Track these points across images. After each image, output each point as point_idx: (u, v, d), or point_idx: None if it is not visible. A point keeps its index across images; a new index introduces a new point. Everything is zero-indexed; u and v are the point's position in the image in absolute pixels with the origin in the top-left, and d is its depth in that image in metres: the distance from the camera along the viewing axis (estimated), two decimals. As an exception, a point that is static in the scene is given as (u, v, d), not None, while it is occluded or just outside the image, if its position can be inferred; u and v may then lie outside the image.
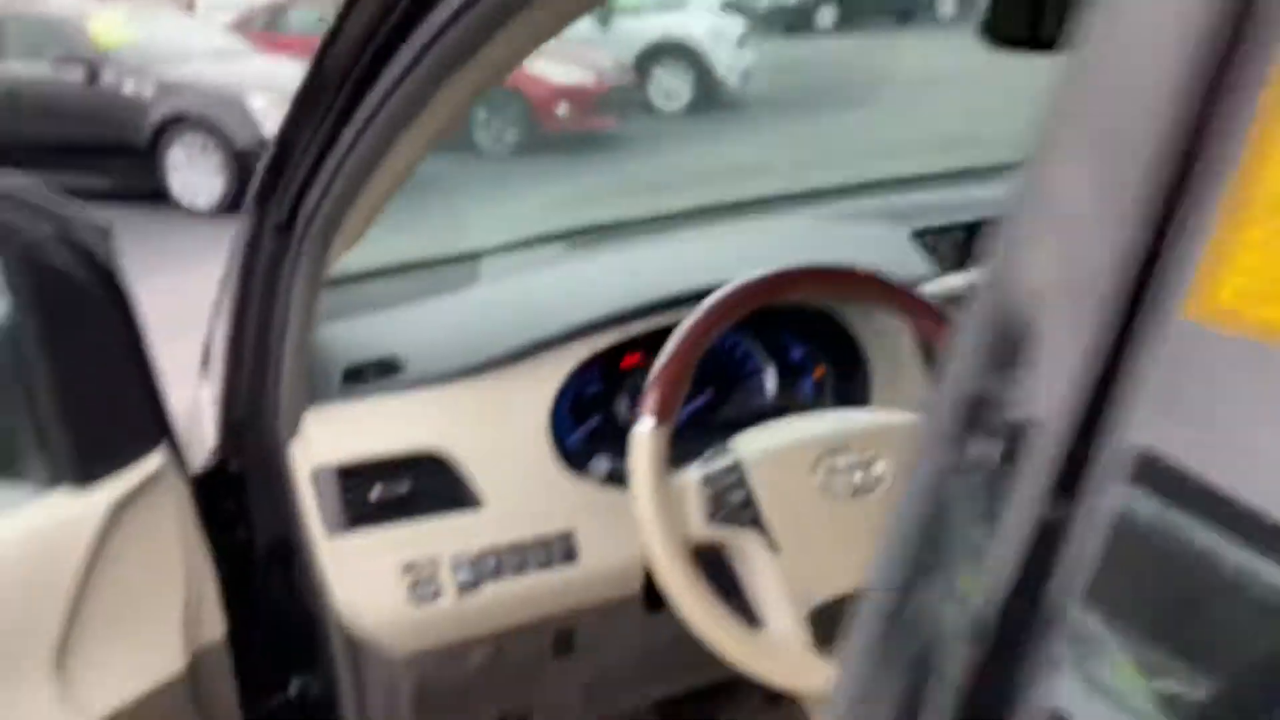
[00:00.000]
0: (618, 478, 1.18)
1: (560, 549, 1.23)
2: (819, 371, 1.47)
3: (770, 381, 1.46)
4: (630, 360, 1.40)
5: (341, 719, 1.37)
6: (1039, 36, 0.60)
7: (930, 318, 1.18)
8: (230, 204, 6.28)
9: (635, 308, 1.31)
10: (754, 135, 8.07)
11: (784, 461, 1.08)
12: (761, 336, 1.45)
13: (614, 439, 1.37)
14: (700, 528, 1.05)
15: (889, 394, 1.38)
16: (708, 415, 1.42)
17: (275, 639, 1.39)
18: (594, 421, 1.38)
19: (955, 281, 1.45)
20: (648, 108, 9.17)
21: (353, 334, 1.44)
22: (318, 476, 1.21)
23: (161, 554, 1.18)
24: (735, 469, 1.07)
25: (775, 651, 1.04)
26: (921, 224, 1.62)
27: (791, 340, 1.47)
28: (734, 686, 1.91)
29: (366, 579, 1.18)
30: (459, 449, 1.24)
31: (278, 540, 1.33)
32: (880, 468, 1.09)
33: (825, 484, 1.08)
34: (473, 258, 1.75)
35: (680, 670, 1.56)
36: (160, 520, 1.17)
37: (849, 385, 1.42)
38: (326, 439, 1.23)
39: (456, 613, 1.20)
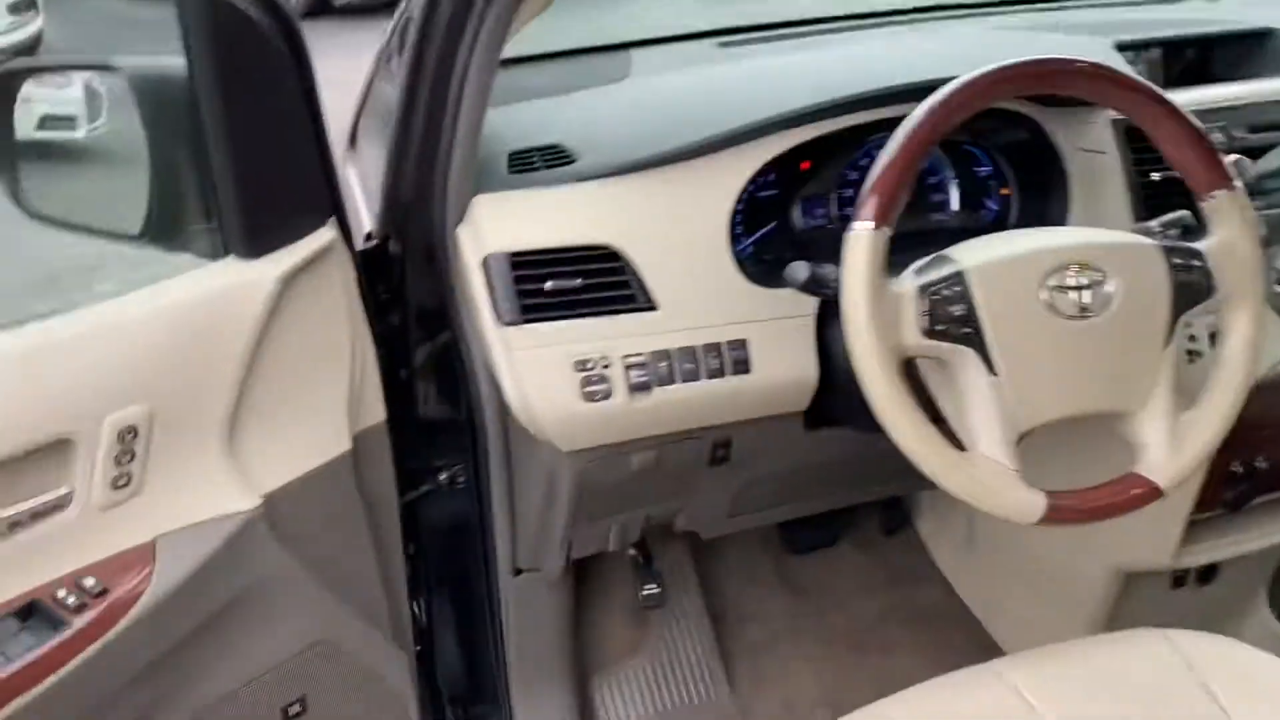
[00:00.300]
0: (792, 287, 1.11)
1: (733, 359, 1.17)
2: (1005, 190, 1.36)
3: (953, 197, 1.36)
4: (805, 165, 1.31)
5: (488, 508, 1.36)
6: None
7: (1194, 136, 1.06)
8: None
9: (831, 103, 1.21)
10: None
11: (1010, 275, 1.00)
12: (946, 147, 1.34)
13: (787, 248, 1.30)
14: (915, 338, 0.98)
15: (1089, 220, 1.27)
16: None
17: (429, 425, 1.37)
18: (768, 229, 1.30)
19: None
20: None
21: (512, 120, 1.35)
22: (489, 263, 1.15)
23: (328, 332, 1.14)
24: (956, 280, 0.99)
25: (982, 474, 0.98)
26: (1125, 38, 1.48)
27: (978, 154, 1.36)
28: (854, 511, 1.91)
29: (537, 371, 1.14)
30: (634, 247, 1.17)
31: (436, 326, 1.28)
32: (1111, 287, 1.01)
33: (1051, 301, 1.00)
34: (621, 49, 1.64)
35: (824, 490, 1.53)
36: (329, 298, 1.13)
37: (1039, 206, 1.32)
38: (497, 226, 1.17)
39: (624, 413, 1.15)
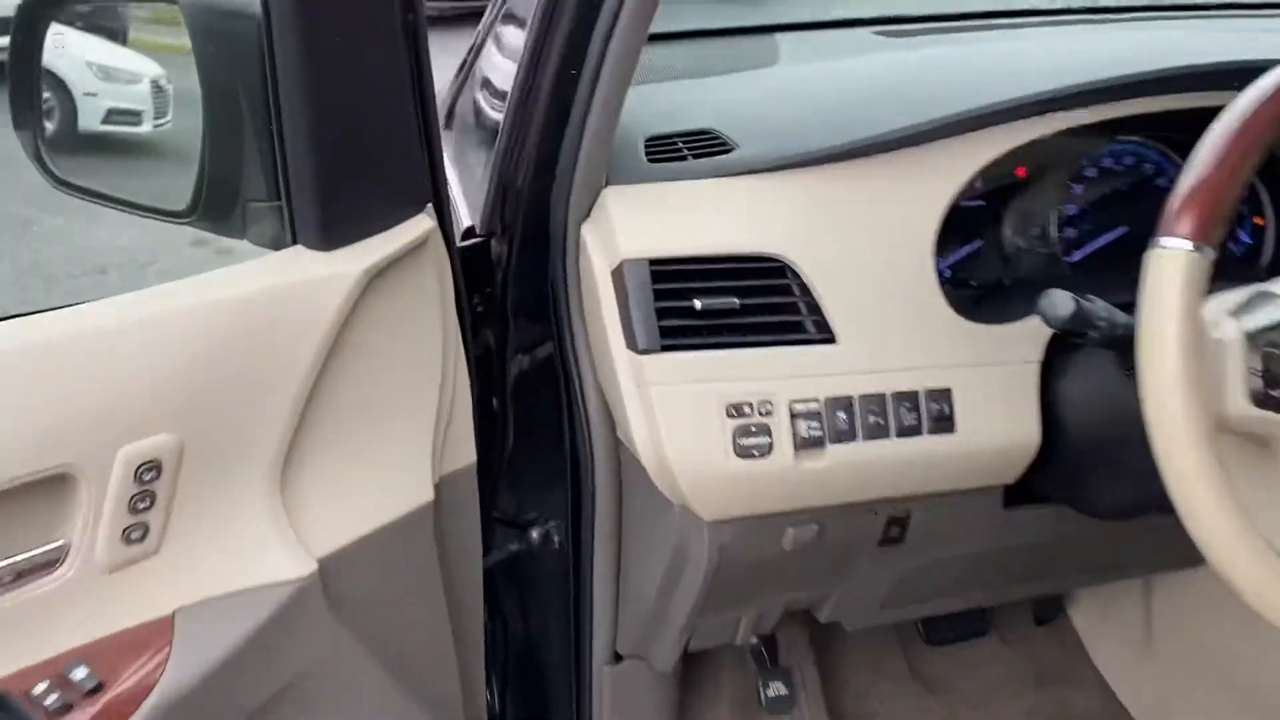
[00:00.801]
0: (1050, 323, 0.84)
1: (933, 412, 0.90)
2: (1259, 220, 1.08)
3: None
4: (1021, 171, 1.04)
5: (587, 578, 1.09)
6: None
7: None
8: None
9: (1108, 83, 0.94)
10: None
11: None
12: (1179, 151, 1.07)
13: (993, 271, 1.03)
14: (1241, 406, 0.71)
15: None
16: (1116, 256, 1.06)
17: (519, 467, 1.11)
18: (972, 247, 1.03)
19: None
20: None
21: (649, 100, 1.10)
22: (623, 272, 0.89)
23: (417, 348, 0.89)
24: None
25: None
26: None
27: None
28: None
29: (678, 415, 0.87)
30: (810, 260, 0.91)
31: (547, 347, 1.03)
32: None
33: None
34: (767, 31, 1.39)
35: (1000, 583, 1.24)
36: (420, 305, 0.88)
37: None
38: (634, 225, 0.91)
39: (787, 476, 0.89)
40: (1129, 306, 0.88)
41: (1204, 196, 0.70)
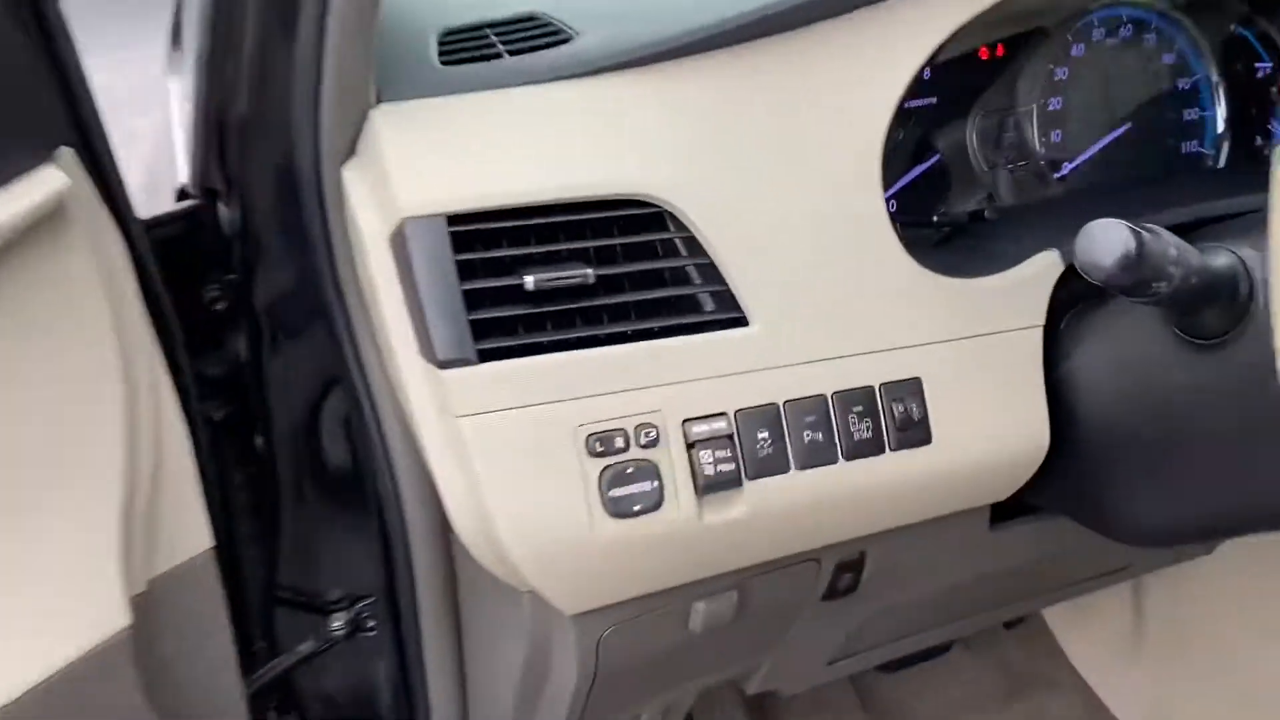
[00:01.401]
0: (1097, 276, 0.52)
1: (898, 417, 0.60)
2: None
3: (1217, 115, 0.79)
4: (987, 53, 0.73)
5: (419, 673, 0.77)
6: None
7: None
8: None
9: None
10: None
11: None
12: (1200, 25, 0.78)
13: (957, 200, 0.72)
14: None
15: None
16: (1118, 157, 0.76)
17: (317, 534, 0.78)
18: (927, 166, 0.72)
19: None
20: None
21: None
22: (404, 237, 0.55)
23: (70, 379, 0.54)
24: None
25: None
26: None
27: (1253, 44, 0.80)
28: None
29: (508, 458, 0.55)
30: (700, 202, 0.59)
31: (300, 363, 0.69)
32: None
33: None
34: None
35: (973, 611, 0.95)
36: (65, 311, 0.53)
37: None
38: (418, 163, 0.57)
39: (690, 534, 0.57)
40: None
41: None
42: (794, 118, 0.61)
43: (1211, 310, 0.54)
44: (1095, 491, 0.66)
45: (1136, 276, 0.49)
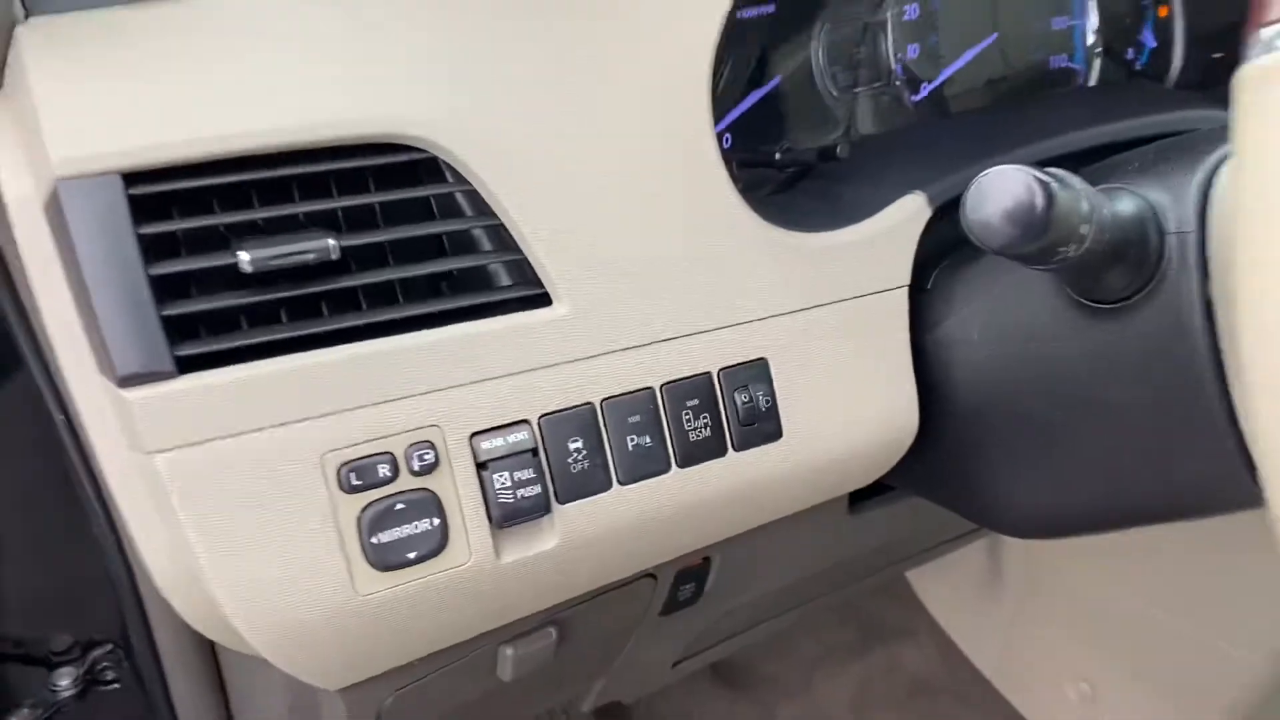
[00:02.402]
0: (991, 246, 0.41)
1: (741, 409, 0.48)
2: (1164, 10, 0.71)
3: (1089, 23, 0.69)
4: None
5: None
6: None
7: None
8: None
9: None
10: None
11: None
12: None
13: (811, 132, 0.60)
14: None
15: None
16: (973, 84, 0.66)
17: (34, 577, 0.62)
18: (766, 92, 0.60)
19: None
20: None
21: None
22: (60, 205, 0.39)
23: None
24: None
25: None
26: None
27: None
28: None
29: (232, 505, 0.40)
30: (483, 145, 0.45)
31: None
32: None
33: None
34: None
35: (821, 592, 0.87)
36: None
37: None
38: (79, 100, 0.40)
39: (485, 578, 0.44)
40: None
41: None
42: (598, 31, 0.47)
43: (1115, 270, 0.44)
44: (969, 478, 0.56)
45: (1044, 242, 0.38)
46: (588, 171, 0.47)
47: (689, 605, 0.61)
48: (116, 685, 0.64)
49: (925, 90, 0.64)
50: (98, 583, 0.59)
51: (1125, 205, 0.43)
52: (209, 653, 0.61)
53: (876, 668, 1.26)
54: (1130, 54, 0.71)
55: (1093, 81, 0.70)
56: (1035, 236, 0.37)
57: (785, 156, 0.56)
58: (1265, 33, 0.31)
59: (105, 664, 0.63)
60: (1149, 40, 0.72)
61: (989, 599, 1.21)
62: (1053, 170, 0.39)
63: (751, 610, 0.76)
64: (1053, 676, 1.15)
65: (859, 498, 0.64)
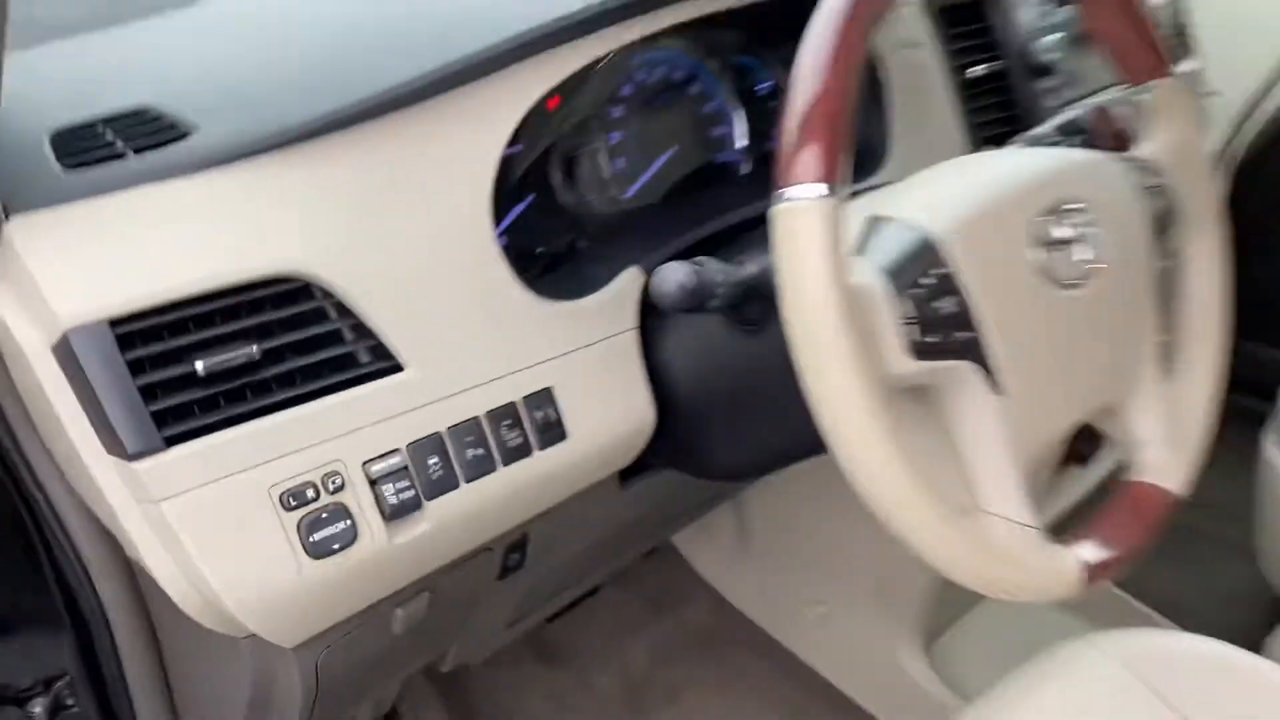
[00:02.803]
0: (667, 305, 0.69)
1: (539, 422, 0.73)
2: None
3: (737, 130, 0.99)
4: (552, 103, 0.87)
5: None
6: None
7: None
8: None
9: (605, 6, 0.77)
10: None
11: (993, 236, 0.65)
12: (712, 55, 0.97)
13: (557, 232, 0.86)
14: (904, 364, 0.61)
15: (913, 133, 0.97)
16: (665, 183, 0.94)
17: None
18: (525, 205, 0.85)
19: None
20: None
21: (40, 72, 0.77)
22: (70, 347, 0.59)
23: None
24: (929, 256, 0.62)
25: (1005, 544, 0.64)
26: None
27: (754, 67, 1.00)
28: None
29: (213, 529, 0.61)
30: (340, 269, 0.67)
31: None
32: (1102, 232, 0.69)
33: (1046, 266, 0.67)
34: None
35: (619, 553, 1.13)
36: None
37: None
38: (68, 272, 0.61)
39: (384, 555, 0.67)
40: (715, 242, 0.76)
41: (821, 134, 0.58)
42: (412, 182, 0.71)
43: (751, 306, 0.72)
44: (691, 448, 0.83)
45: (695, 302, 0.66)
46: (413, 278, 0.70)
47: (517, 570, 0.85)
48: (76, 709, 0.81)
49: (632, 190, 0.91)
50: (46, 626, 0.76)
51: (750, 268, 0.71)
52: (162, 675, 0.79)
53: (666, 631, 1.53)
54: (770, 141, 1.02)
55: (749, 170, 0.99)
56: (690, 301, 0.65)
57: (544, 251, 0.82)
58: (788, 191, 0.59)
59: (66, 692, 0.81)
60: (778, 142, 1.02)
61: (743, 553, 1.51)
62: (698, 258, 0.67)
63: (561, 578, 1.01)
64: (797, 604, 1.46)
65: (627, 476, 0.90)
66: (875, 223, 0.65)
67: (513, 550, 0.83)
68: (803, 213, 0.57)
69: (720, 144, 0.98)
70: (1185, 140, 0.78)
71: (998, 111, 1.03)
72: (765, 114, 1.00)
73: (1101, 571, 0.68)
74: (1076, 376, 0.69)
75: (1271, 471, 1.33)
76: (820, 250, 0.56)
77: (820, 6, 0.61)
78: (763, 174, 0.98)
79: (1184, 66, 1.27)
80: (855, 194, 0.72)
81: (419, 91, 0.69)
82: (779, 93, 1.00)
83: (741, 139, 0.99)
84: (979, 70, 1.01)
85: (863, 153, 0.97)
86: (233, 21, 0.91)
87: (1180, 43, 1.29)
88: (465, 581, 0.80)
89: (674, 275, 0.65)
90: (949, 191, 0.67)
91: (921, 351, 0.61)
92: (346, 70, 0.73)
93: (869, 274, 0.61)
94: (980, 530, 0.64)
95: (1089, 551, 0.69)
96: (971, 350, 0.63)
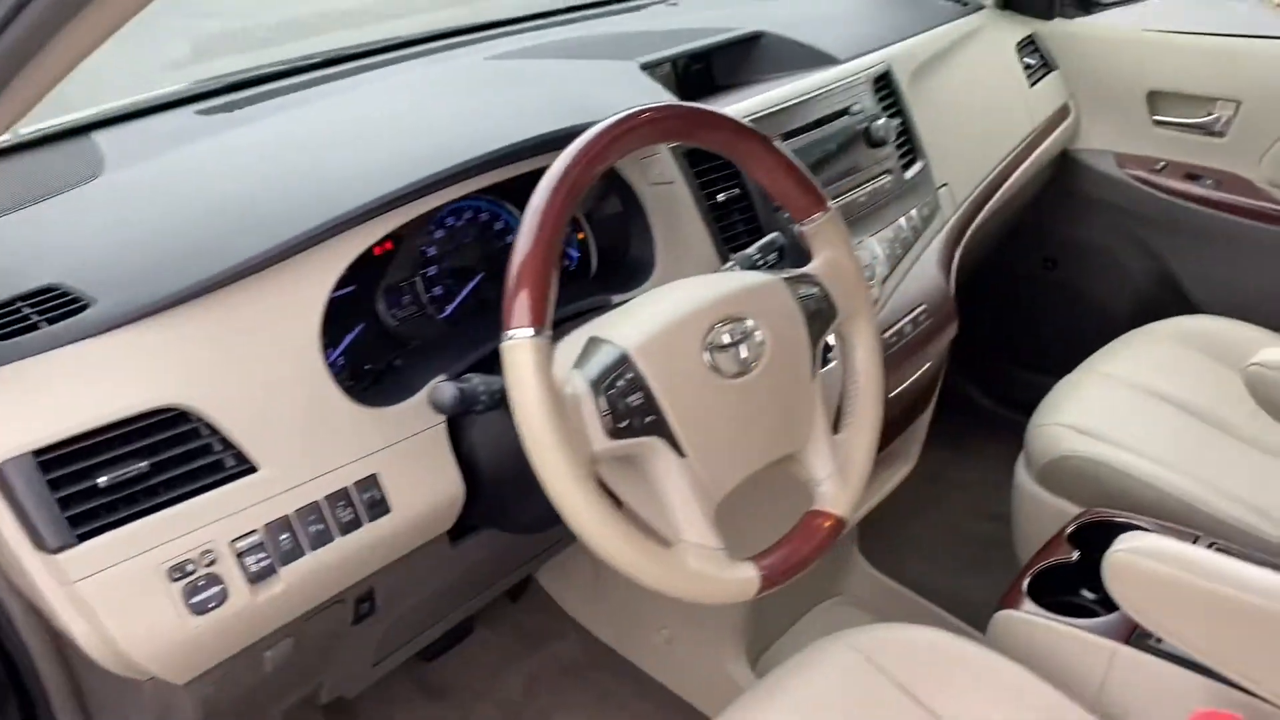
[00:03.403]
0: (443, 412, 0.94)
1: (367, 501, 0.97)
2: (580, 235, 1.29)
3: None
4: (378, 250, 1.12)
5: None
6: None
7: (783, 166, 1.04)
8: None
9: (423, 182, 1.03)
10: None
11: (673, 347, 0.92)
12: (511, 198, 1.23)
13: (385, 350, 1.11)
14: (603, 443, 0.87)
15: (675, 251, 1.24)
16: (480, 300, 1.19)
17: None
18: (356, 333, 1.10)
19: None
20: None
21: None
22: (3, 475, 0.83)
23: None
24: (624, 365, 0.89)
25: (698, 565, 0.90)
26: (646, 57, 1.47)
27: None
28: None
29: (117, 599, 0.84)
30: (208, 399, 0.91)
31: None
32: (760, 334, 0.97)
33: (714, 364, 0.93)
34: (77, 134, 1.30)
35: (470, 594, 1.37)
36: None
37: (620, 246, 1.26)
38: (2, 418, 0.84)
39: (249, 612, 0.90)
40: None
41: (528, 286, 0.84)
42: (259, 329, 0.95)
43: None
44: (497, 510, 1.08)
45: (464, 408, 0.91)
46: (263, 401, 0.94)
47: (369, 616, 1.09)
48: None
49: (447, 312, 1.17)
50: None
51: (497, 379, 0.95)
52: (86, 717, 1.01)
53: (539, 663, 1.76)
54: (565, 263, 1.28)
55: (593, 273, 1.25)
56: (460, 408, 0.90)
57: (372, 368, 1.07)
58: (508, 332, 0.84)
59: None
60: (574, 254, 1.29)
61: (600, 591, 1.75)
62: (467, 375, 0.92)
63: (417, 619, 1.24)
64: (647, 631, 1.70)
65: (457, 536, 1.14)
66: (592, 342, 0.91)
67: (362, 600, 1.06)
68: (519, 349, 0.83)
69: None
70: (838, 258, 1.06)
71: (743, 227, 1.31)
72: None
73: (776, 579, 0.95)
74: (751, 439, 0.96)
75: (1019, 492, 1.62)
76: (531, 374, 0.82)
77: (539, 185, 0.88)
78: (594, 276, 1.25)
79: (913, 170, 1.58)
80: (618, 304, 0.98)
81: (259, 264, 0.94)
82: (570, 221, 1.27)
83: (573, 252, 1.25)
84: (722, 197, 1.29)
85: (635, 266, 1.24)
86: (120, 196, 1.14)
87: (910, 148, 1.60)
88: (323, 627, 1.03)
89: (443, 392, 0.91)
90: (644, 315, 0.94)
91: (616, 433, 0.87)
92: (209, 246, 0.97)
93: (579, 382, 0.87)
94: (678, 555, 0.89)
95: (766, 564, 0.95)
96: (657, 428, 0.89)
